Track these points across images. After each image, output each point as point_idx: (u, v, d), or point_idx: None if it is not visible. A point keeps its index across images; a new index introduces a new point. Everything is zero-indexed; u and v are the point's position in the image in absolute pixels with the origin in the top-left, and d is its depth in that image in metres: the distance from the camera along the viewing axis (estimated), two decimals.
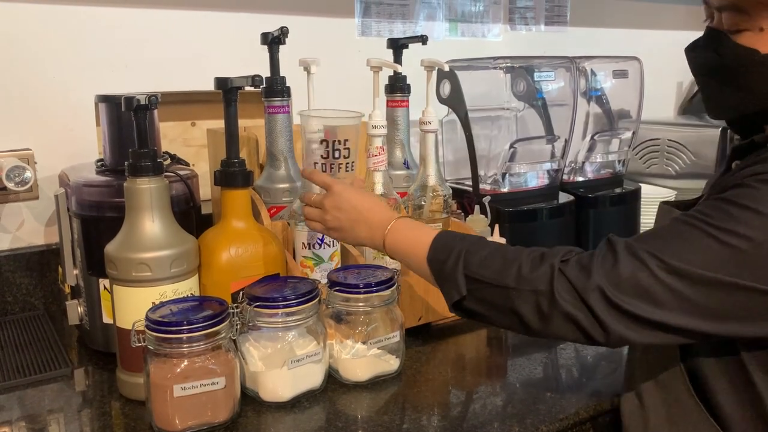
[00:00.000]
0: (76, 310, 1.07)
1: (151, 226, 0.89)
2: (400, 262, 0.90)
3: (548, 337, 0.78)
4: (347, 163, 0.94)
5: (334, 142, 0.93)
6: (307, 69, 1.03)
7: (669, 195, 1.73)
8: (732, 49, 0.77)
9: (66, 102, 1.26)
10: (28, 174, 1.15)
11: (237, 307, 0.88)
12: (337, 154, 0.93)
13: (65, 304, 1.09)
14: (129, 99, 0.87)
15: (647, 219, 1.67)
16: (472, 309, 0.81)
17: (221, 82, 0.95)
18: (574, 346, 1.11)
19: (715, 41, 0.79)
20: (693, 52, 0.84)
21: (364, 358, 0.96)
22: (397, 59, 1.26)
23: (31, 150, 1.20)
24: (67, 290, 1.10)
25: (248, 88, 0.99)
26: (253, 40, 1.12)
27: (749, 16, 0.74)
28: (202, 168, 1.35)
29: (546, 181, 1.50)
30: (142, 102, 0.86)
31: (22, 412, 0.90)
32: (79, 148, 1.26)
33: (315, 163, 0.95)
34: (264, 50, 1.11)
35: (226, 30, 1.41)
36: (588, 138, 1.60)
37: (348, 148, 0.93)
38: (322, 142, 0.93)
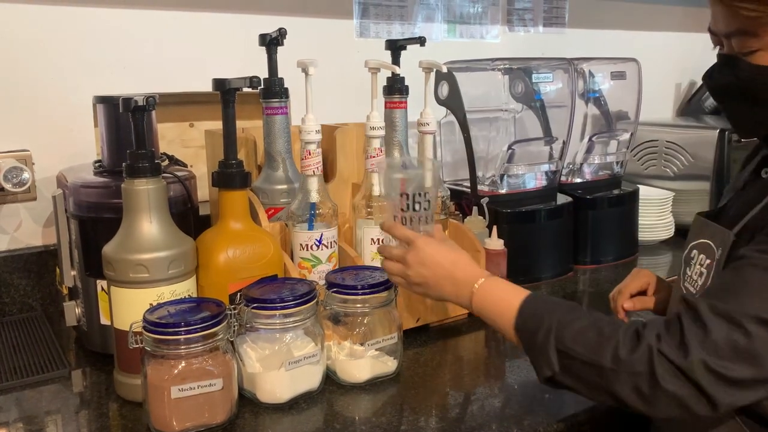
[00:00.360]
0: (73, 311, 1.07)
1: (148, 227, 0.89)
2: (486, 322, 0.86)
3: (645, 414, 0.75)
4: (427, 216, 0.92)
5: (414, 195, 0.91)
6: (305, 70, 1.03)
7: (667, 197, 1.73)
8: (749, 71, 0.77)
9: (64, 103, 1.26)
10: (26, 175, 1.15)
11: (234, 309, 0.88)
12: (417, 207, 0.91)
13: (63, 305, 1.09)
14: (127, 100, 0.87)
15: (645, 220, 1.67)
16: (564, 384, 0.78)
17: (219, 83, 0.95)
18: None
19: (731, 66, 0.79)
20: (711, 79, 0.85)
21: (362, 360, 0.96)
22: (395, 60, 1.25)
23: (29, 151, 1.20)
24: (65, 291, 1.10)
25: (246, 90, 0.99)
26: (252, 42, 1.12)
27: (758, 36, 0.75)
28: (201, 169, 1.35)
29: (544, 183, 1.50)
30: (140, 103, 0.86)
31: (20, 413, 0.90)
32: (77, 149, 1.26)
33: (395, 216, 0.93)
34: (263, 51, 1.11)
35: (225, 31, 1.41)
36: (586, 139, 1.60)
37: (428, 201, 0.91)
38: (402, 195, 0.91)
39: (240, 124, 1.31)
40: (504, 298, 0.84)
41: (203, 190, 1.30)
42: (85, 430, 0.88)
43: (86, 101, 1.21)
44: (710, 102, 2.18)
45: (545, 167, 1.49)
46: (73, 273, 1.07)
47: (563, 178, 1.58)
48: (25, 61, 1.22)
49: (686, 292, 0.81)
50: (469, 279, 0.86)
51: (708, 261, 0.84)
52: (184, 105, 1.39)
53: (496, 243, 1.24)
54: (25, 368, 1.02)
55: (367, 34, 1.60)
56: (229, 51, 1.40)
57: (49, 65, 1.24)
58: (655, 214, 1.71)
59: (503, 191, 1.44)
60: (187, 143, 1.42)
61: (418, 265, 0.89)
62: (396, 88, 1.24)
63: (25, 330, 1.17)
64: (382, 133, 1.08)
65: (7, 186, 1.13)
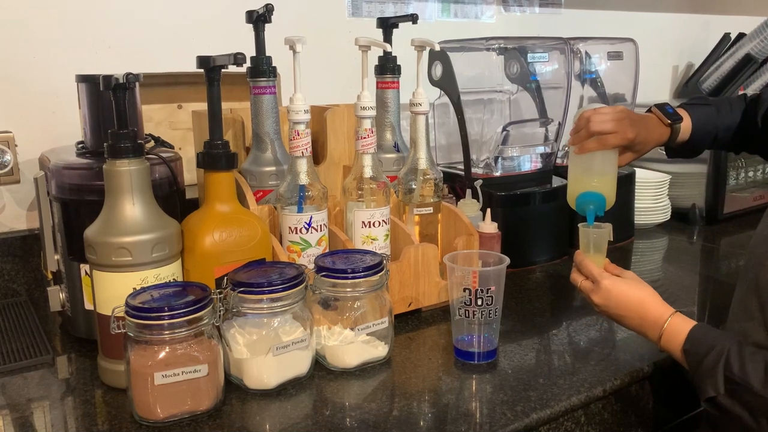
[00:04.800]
0: (57, 296, 1.05)
1: (131, 209, 0.86)
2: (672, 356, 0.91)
3: None
4: (490, 311, 0.95)
5: (476, 291, 0.94)
6: (292, 48, 1.00)
7: (664, 180, 1.71)
8: None
9: (48, 83, 1.23)
10: (8, 157, 1.12)
11: (220, 293, 0.86)
12: (480, 302, 0.95)
13: (47, 290, 1.07)
14: (107, 78, 0.84)
15: (641, 204, 1.65)
16: (726, 406, 0.81)
17: (203, 61, 0.92)
18: (567, 331, 1.10)
19: None
20: None
21: (352, 345, 0.94)
22: (387, 39, 1.23)
23: (11, 132, 1.17)
24: (49, 276, 1.08)
25: (235, 69, 0.96)
26: (243, 20, 1.09)
27: None
28: (190, 152, 1.32)
29: (539, 165, 1.48)
30: (121, 81, 0.83)
31: (2, 400, 0.88)
32: (62, 130, 1.23)
33: (459, 309, 0.97)
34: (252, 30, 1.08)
35: (215, 10, 1.37)
36: None
37: (491, 296, 0.95)
38: (465, 290, 0.95)
39: (231, 105, 1.29)
40: (683, 328, 0.88)
41: (192, 173, 1.27)
42: (69, 418, 0.86)
43: (70, 81, 1.17)
44: (708, 84, 2.16)
45: (540, 149, 1.46)
46: (56, 257, 1.04)
47: (559, 161, 1.55)
48: (7, 40, 1.19)
49: None
50: (657, 321, 0.90)
51: None
52: (172, 86, 1.36)
53: (489, 226, 1.22)
54: (8, 354, 1.00)
55: (359, 13, 1.57)
56: (218, 30, 1.37)
57: (32, 45, 1.21)
58: (652, 198, 1.69)
59: (498, 174, 1.42)
60: (176, 125, 1.39)
61: (603, 306, 0.94)
62: (388, 67, 1.21)
63: (10, 315, 1.15)
64: (372, 113, 1.06)
65: None
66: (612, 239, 0.99)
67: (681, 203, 1.76)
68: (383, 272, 0.96)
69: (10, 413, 0.85)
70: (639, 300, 0.92)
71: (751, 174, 1.86)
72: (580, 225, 1.01)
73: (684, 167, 1.76)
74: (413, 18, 1.21)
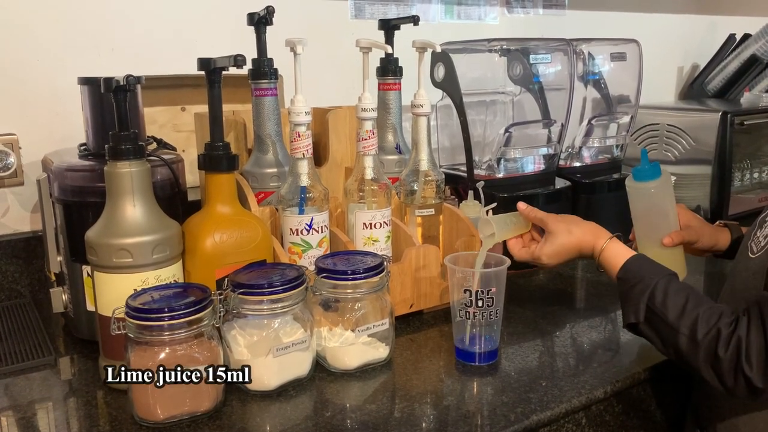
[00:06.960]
0: (60, 297, 1.05)
1: (132, 211, 0.87)
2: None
3: (693, 369, 0.86)
4: (491, 312, 0.96)
5: (477, 292, 0.95)
6: (293, 49, 1.00)
7: None
8: None
9: (51, 86, 1.23)
10: (12, 159, 1.13)
11: (221, 294, 0.86)
12: (480, 304, 0.95)
13: (50, 291, 1.07)
14: (108, 80, 0.84)
15: None
16: (644, 332, 0.91)
17: (204, 63, 0.93)
18: (569, 333, 1.10)
19: None
20: None
21: (353, 346, 0.94)
22: (389, 41, 1.23)
23: (15, 135, 1.18)
24: (53, 278, 1.08)
25: (240, 71, 0.96)
26: (245, 22, 1.09)
27: None
28: (193, 154, 1.32)
29: (542, 167, 1.47)
30: (121, 83, 0.84)
31: (4, 401, 0.88)
32: (65, 132, 1.24)
33: (460, 311, 0.97)
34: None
35: (218, 12, 1.38)
36: (585, 122, 1.57)
37: (492, 298, 0.95)
38: (465, 291, 0.95)
39: (234, 107, 1.29)
40: (620, 254, 0.98)
41: (196, 176, 1.28)
42: (71, 419, 0.87)
43: (74, 84, 1.18)
44: (713, 85, 2.15)
45: (543, 151, 1.46)
46: (59, 259, 1.04)
47: (562, 162, 1.55)
48: (11, 43, 1.19)
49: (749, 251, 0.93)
50: (592, 249, 1.02)
51: None
52: (176, 88, 1.36)
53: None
54: (12, 355, 1.00)
55: (362, 15, 1.57)
56: (223, 33, 1.37)
57: (35, 47, 1.21)
58: None
59: (500, 175, 1.41)
60: (180, 128, 1.39)
61: (553, 266, 1.07)
62: (389, 69, 1.21)
63: (13, 317, 1.15)
64: (373, 114, 1.06)
65: None
66: (491, 208, 1.13)
67: (686, 204, 1.75)
68: (384, 273, 0.96)
69: (13, 414, 0.86)
70: (575, 247, 1.04)
71: (756, 175, 1.85)
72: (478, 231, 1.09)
73: (689, 168, 1.75)
74: (414, 20, 1.21)
